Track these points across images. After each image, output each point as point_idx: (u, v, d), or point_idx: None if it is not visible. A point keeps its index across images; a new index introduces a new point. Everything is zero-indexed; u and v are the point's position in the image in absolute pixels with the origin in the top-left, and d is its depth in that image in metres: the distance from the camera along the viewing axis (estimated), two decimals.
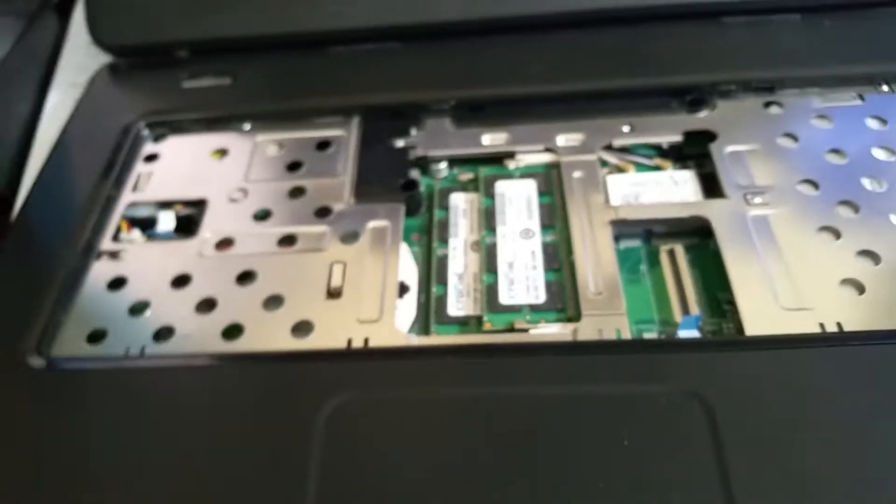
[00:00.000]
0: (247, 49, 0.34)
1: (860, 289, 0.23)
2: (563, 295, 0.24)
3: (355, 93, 0.32)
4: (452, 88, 0.31)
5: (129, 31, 0.34)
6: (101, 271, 0.27)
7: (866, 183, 0.26)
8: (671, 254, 0.26)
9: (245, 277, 0.26)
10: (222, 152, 0.31)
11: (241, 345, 0.24)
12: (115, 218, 0.29)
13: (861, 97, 0.29)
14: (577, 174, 0.28)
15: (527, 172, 0.29)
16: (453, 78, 0.32)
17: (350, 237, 0.27)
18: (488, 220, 0.27)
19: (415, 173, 0.29)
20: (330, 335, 0.24)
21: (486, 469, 0.20)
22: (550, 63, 0.32)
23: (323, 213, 0.28)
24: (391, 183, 0.28)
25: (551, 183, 0.28)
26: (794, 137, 0.28)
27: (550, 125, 0.29)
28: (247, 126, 0.32)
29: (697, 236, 0.26)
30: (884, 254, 0.24)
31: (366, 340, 0.23)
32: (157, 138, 0.32)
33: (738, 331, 0.22)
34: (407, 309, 0.25)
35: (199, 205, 0.29)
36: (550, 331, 0.23)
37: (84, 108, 0.33)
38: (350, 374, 0.22)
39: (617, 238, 0.26)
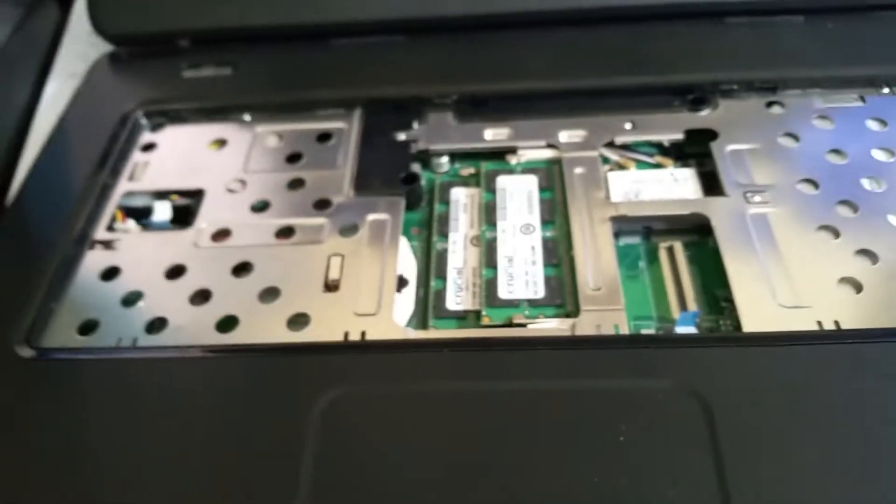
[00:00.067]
0: (249, 39, 0.34)
1: (858, 287, 0.23)
2: (562, 290, 0.24)
3: (357, 85, 0.31)
4: (455, 83, 0.31)
5: (131, 20, 0.34)
6: (94, 261, 0.26)
7: (866, 183, 0.26)
8: (670, 251, 0.26)
9: (241, 269, 0.26)
10: (221, 143, 0.31)
11: (235, 337, 0.24)
12: (111, 207, 0.28)
13: (862, 99, 0.29)
14: (578, 170, 0.28)
15: (528, 168, 0.29)
16: (456, 72, 0.31)
17: (349, 230, 0.26)
18: (489, 214, 0.27)
19: (416, 167, 0.29)
20: (326, 328, 0.23)
21: (483, 463, 0.19)
22: (554, 59, 0.31)
23: (322, 205, 0.28)
24: (392, 176, 0.28)
25: (552, 179, 0.28)
26: (795, 137, 0.28)
27: (552, 121, 0.29)
28: (247, 117, 0.32)
29: (697, 234, 0.26)
30: (882, 253, 0.24)
31: (363, 334, 0.23)
32: (155, 128, 0.32)
33: (735, 328, 0.22)
34: (405, 303, 0.25)
35: (196, 195, 0.29)
36: (549, 326, 0.23)
37: (82, 96, 0.33)
38: (346, 368, 0.22)
39: (617, 234, 0.26)
